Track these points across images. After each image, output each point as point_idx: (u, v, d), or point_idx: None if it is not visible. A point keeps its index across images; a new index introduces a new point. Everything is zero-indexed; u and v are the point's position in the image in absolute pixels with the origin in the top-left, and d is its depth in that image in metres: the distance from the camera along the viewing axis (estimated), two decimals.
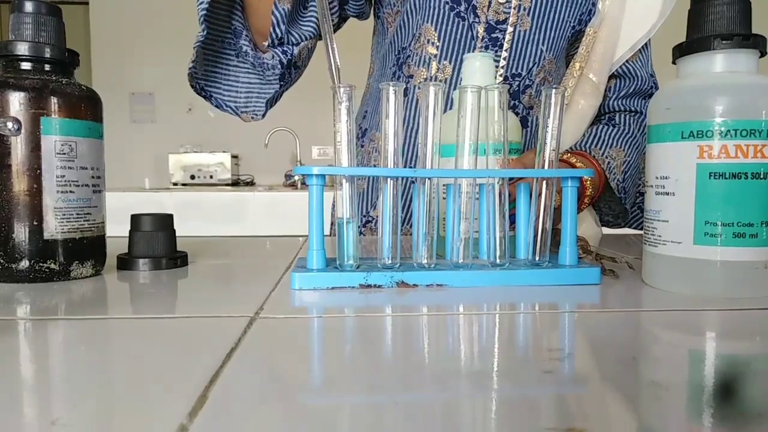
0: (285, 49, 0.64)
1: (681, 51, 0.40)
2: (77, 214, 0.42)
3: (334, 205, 0.59)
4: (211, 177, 2.48)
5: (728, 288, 0.37)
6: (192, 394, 0.21)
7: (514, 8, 0.66)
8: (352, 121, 0.40)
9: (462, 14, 0.66)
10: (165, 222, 0.48)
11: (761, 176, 0.36)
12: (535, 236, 0.43)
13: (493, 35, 0.67)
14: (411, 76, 0.70)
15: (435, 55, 0.68)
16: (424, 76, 0.69)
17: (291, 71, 0.66)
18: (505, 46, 0.67)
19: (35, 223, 0.40)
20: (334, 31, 0.67)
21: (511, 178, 0.46)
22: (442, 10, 0.67)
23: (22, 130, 0.39)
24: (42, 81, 0.40)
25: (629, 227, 0.73)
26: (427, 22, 0.67)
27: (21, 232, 0.40)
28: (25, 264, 0.40)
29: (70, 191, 0.41)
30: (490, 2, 0.66)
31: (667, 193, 0.39)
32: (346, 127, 0.40)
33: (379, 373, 0.24)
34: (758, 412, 0.20)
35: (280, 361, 0.26)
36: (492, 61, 0.50)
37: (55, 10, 0.43)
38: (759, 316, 0.33)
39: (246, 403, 0.20)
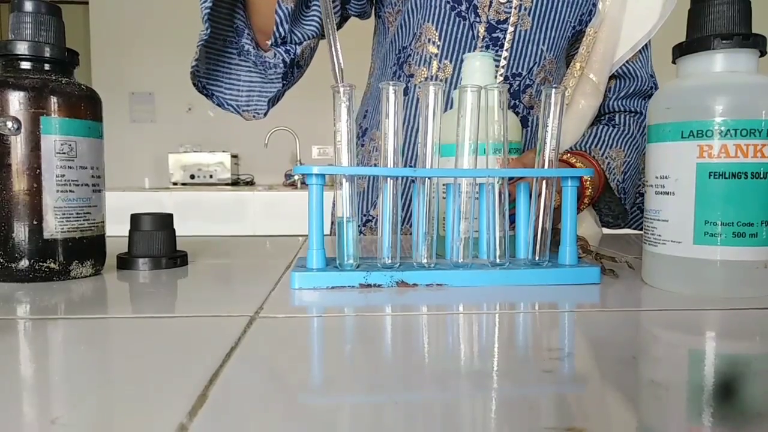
0: (288, 48, 0.64)
1: (681, 51, 0.40)
2: (77, 213, 0.42)
3: (334, 205, 0.59)
4: (211, 176, 2.48)
5: (728, 288, 0.37)
6: (192, 393, 0.21)
7: (515, 8, 0.66)
8: (352, 121, 0.40)
9: (463, 14, 0.66)
10: (165, 221, 0.48)
11: (761, 176, 0.36)
12: (535, 236, 0.43)
13: (494, 35, 0.67)
14: (412, 76, 0.70)
15: (436, 55, 0.68)
16: (425, 76, 0.69)
17: (294, 70, 0.67)
18: (506, 45, 0.67)
19: (35, 222, 0.40)
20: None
21: (511, 178, 0.46)
22: (443, 10, 0.67)
23: (22, 130, 0.39)
24: (42, 80, 0.40)
25: (629, 228, 0.73)
26: (428, 22, 0.67)
27: (21, 232, 0.40)
28: (24, 263, 0.40)
29: (70, 191, 0.41)
30: (491, 2, 0.66)
31: (667, 193, 0.39)
32: (347, 126, 0.40)
33: (379, 372, 0.24)
34: (758, 412, 0.20)
35: (279, 360, 0.26)
36: (492, 60, 0.50)
37: (55, 9, 0.42)
38: (759, 316, 0.33)
39: (246, 403, 0.20)
